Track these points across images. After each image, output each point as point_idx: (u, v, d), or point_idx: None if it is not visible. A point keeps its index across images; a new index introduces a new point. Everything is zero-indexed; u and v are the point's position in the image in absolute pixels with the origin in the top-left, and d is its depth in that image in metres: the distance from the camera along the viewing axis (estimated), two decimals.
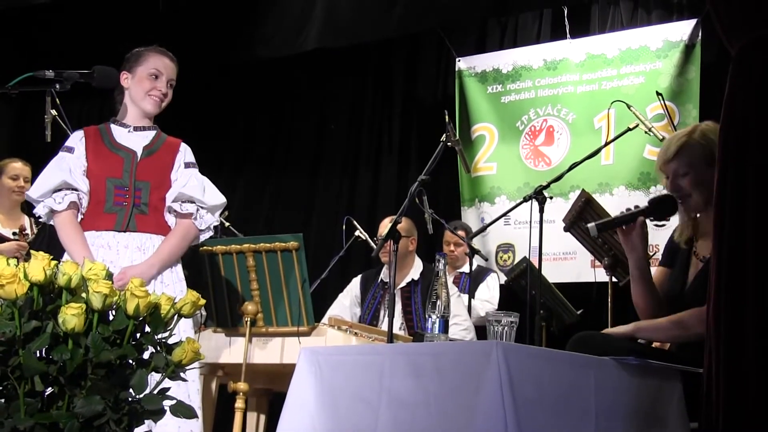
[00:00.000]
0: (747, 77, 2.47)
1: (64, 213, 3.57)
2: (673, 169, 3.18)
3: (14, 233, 5.43)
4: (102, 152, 3.69)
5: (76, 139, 3.72)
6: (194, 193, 3.75)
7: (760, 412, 2.27)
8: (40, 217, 3.72)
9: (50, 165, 3.70)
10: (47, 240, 5.24)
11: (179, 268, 3.82)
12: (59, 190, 3.58)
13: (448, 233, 5.91)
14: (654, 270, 3.47)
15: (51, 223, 3.69)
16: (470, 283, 5.76)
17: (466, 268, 5.84)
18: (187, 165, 3.84)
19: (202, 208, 3.76)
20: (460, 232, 5.89)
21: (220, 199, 3.86)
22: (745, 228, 2.38)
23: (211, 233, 3.91)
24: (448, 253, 5.87)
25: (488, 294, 5.87)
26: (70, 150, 3.69)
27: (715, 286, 2.44)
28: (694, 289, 3.14)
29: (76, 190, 3.60)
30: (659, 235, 4.51)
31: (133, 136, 3.73)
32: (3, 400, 1.93)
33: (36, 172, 5.46)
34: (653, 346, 3.43)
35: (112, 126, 3.75)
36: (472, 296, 5.65)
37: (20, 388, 1.91)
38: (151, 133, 3.81)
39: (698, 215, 3.27)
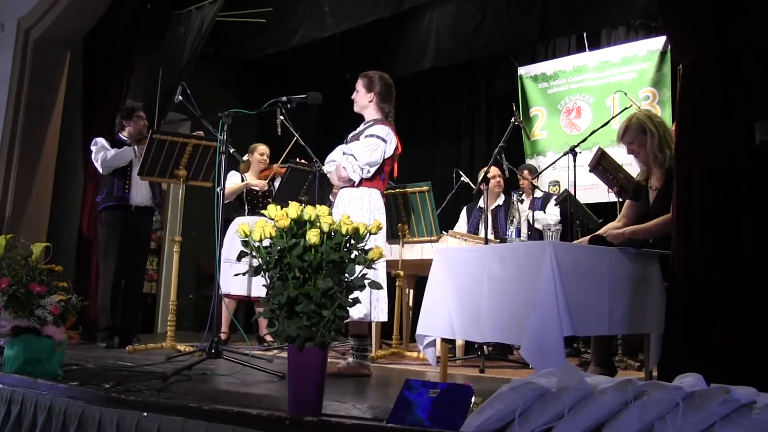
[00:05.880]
0: (694, 87, 2.46)
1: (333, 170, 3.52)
2: (625, 141, 3.20)
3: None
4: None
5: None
6: (351, 149, 3.42)
7: (705, 271, 2.33)
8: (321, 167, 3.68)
9: (338, 147, 3.60)
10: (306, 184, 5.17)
11: (380, 207, 3.49)
12: (333, 161, 3.54)
13: (524, 173, 5.86)
14: (626, 204, 3.39)
15: (327, 172, 3.67)
16: (540, 204, 5.73)
17: (537, 194, 5.86)
18: (367, 136, 3.41)
19: (356, 162, 3.38)
20: (526, 172, 5.83)
21: (368, 158, 3.37)
22: (691, 177, 2.43)
23: (360, 176, 3.42)
24: (522, 185, 5.79)
25: (553, 210, 5.79)
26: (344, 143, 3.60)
27: (676, 204, 2.50)
28: (657, 207, 3.14)
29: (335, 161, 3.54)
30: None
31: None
32: (281, 282, 1.97)
33: (273, 153, 5.51)
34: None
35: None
36: (544, 210, 5.63)
37: (289, 274, 1.96)
38: (365, 125, 3.54)
39: (649, 164, 3.23)
